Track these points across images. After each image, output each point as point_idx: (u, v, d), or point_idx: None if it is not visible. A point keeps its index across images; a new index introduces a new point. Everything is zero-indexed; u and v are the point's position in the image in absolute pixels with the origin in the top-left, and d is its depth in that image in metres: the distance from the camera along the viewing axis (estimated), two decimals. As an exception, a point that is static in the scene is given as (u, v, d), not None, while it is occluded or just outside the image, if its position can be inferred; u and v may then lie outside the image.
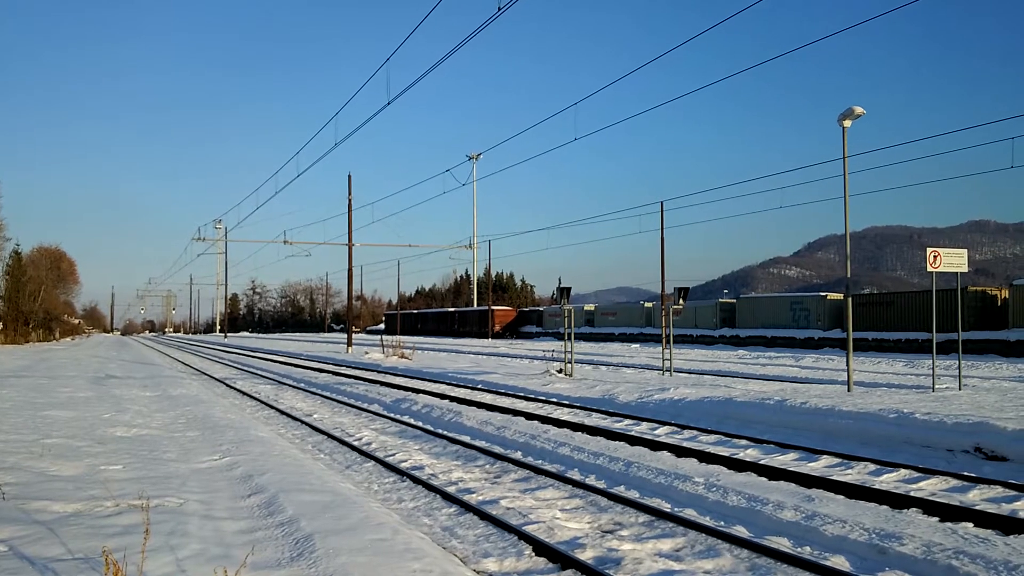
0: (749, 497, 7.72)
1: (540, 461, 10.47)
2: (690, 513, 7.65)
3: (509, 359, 34.45)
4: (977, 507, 7.47)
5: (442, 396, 18.35)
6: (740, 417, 13.52)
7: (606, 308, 65.63)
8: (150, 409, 15.44)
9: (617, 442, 11.32)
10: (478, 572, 6.06)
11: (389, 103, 20.28)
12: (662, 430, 13.03)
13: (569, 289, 22.64)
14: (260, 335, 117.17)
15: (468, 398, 17.92)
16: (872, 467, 9.56)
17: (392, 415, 15.73)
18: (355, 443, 12.31)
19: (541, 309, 73.09)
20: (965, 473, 8.99)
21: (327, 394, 20.61)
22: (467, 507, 7.90)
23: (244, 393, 21.69)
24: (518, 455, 10.92)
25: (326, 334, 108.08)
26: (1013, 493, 8.15)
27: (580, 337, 59.10)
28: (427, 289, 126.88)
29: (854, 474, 9.32)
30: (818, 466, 9.81)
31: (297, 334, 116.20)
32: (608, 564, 6.11)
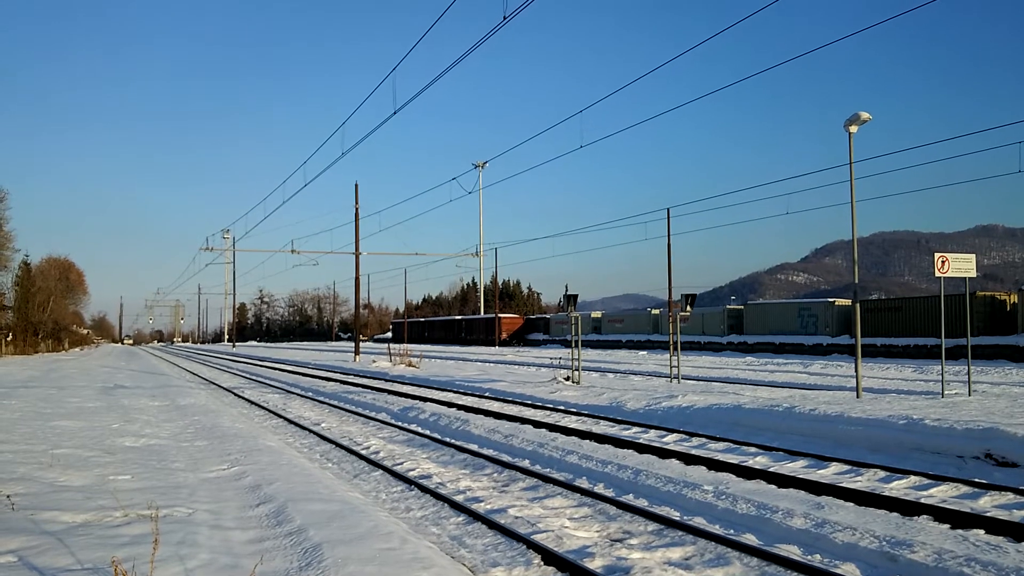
0: (759, 505, 7.69)
1: (548, 469, 10.45)
2: (699, 521, 7.62)
3: (516, 367, 34.43)
4: (988, 514, 7.41)
5: (449, 404, 18.35)
6: (749, 424, 13.47)
7: (613, 315, 65.58)
8: (159, 419, 15.48)
9: (625, 450, 11.29)
10: (487, 581, 6.04)
11: (396, 112, 20.38)
12: (670, 438, 13.00)
13: (576, 296, 22.66)
14: (268, 344, 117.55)
15: (475, 406, 17.91)
16: (882, 474, 9.51)
17: (400, 424, 15.73)
18: (363, 452, 12.32)
19: (548, 316, 73.10)
20: (976, 480, 8.93)
21: (335, 403, 20.64)
22: (475, 516, 7.88)
23: (252, 402, 21.73)
24: (526, 463, 10.91)
25: (333, 343, 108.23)
26: (1025, 500, 8.10)
27: (587, 344, 59.02)
28: (434, 297, 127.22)
29: (864, 481, 9.27)
30: (827, 473, 9.76)
31: (305, 343, 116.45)
32: (617, 573, 6.09)
